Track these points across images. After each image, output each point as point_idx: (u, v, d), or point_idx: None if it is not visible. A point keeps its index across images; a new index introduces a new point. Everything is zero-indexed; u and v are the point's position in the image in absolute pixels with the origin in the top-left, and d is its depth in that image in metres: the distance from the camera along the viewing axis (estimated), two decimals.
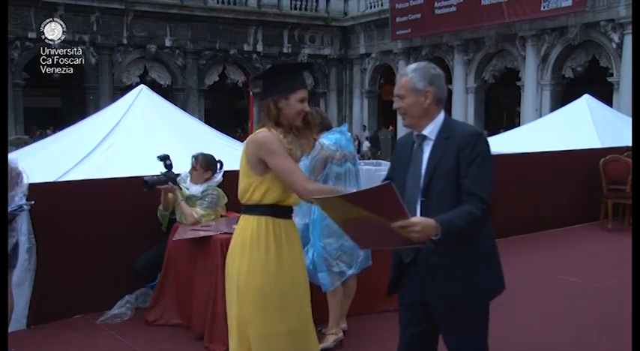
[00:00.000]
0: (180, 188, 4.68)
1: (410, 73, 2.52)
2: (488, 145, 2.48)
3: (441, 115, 2.55)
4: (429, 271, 2.48)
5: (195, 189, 4.69)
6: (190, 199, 4.67)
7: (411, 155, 2.57)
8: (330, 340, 4.01)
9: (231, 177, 5.00)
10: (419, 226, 2.22)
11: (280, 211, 2.74)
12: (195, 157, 4.75)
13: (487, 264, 2.52)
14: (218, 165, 4.81)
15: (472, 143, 2.42)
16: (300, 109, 2.75)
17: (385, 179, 2.59)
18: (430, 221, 2.27)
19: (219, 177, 4.80)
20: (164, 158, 4.75)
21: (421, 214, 2.40)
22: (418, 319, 2.58)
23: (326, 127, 4.11)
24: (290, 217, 2.82)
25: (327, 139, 4.02)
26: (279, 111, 2.73)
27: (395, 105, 2.58)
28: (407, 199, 2.50)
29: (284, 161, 2.65)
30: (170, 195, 4.73)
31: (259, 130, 2.76)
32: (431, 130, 2.52)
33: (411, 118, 2.54)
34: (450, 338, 2.55)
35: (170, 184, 4.64)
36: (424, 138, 2.53)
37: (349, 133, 4.27)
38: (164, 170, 4.70)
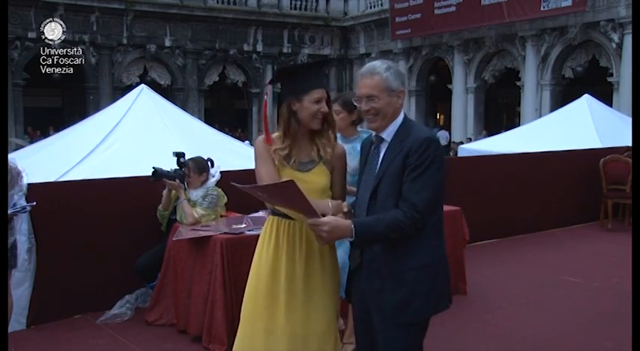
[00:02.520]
0: (185, 189, 4.69)
1: (384, 73, 2.39)
2: (438, 153, 2.34)
3: (401, 117, 2.45)
4: (370, 278, 2.41)
5: (195, 194, 4.69)
6: (193, 203, 4.67)
7: (368, 157, 2.53)
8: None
9: (231, 177, 5.02)
10: (327, 226, 2.25)
11: (279, 212, 2.66)
12: (186, 165, 4.74)
13: (427, 276, 2.37)
14: (209, 164, 4.81)
15: (420, 149, 2.30)
16: (314, 110, 2.59)
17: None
18: (343, 222, 2.27)
19: (216, 175, 4.80)
20: (179, 155, 4.76)
21: None
22: (369, 327, 2.48)
23: (360, 121, 3.88)
24: (294, 219, 2.65)
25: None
26: (294, 114, 2.62)
27: (364, 106, 2.42)
28: (359, 201, 2.51)
29: (259, 167, 2.65)
30: (173, 192, 4.73)
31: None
32: (389, 131, 2.43)
33: (382, 119, 2.41)
34: (381, 346, 2.43)
35: (177, 181, 4.65)
36: (381, 140, 2.45)
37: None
38: (175, 167, 4.72)
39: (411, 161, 2.30)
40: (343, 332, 4.13)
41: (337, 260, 2.73)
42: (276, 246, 2.63)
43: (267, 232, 2.66)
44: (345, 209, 2.50)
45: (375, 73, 2.40)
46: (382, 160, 2.42)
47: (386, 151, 2.42)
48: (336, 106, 3.84)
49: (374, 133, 2.51)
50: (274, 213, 2.67)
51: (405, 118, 2.46)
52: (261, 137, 2.71)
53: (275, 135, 2.70)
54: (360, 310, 2.53)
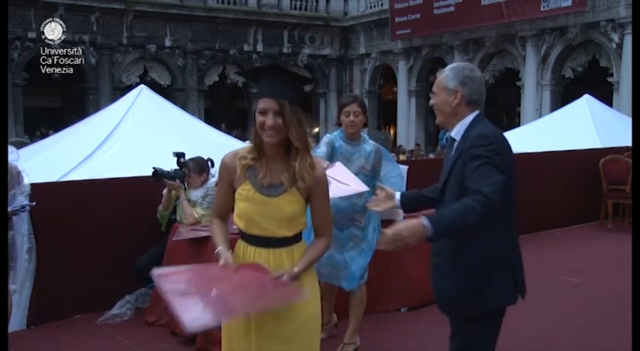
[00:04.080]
0: (186, 189, 4.69)
1: (446, 72, 2.53)
2: (496, 146, 2.37)
3: (470, 117, 2.50)
4: (434, 272, 2.50)
5: (196, 195, 4.70)
6: (193, 204, 4.68)
7: (447, 156, 2.61)
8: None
9: None
10: (404, 231, 2.20)
11: (245, 237, 2.35)
12: (186, 165, 4.74)
13: (489, 270, 2.40)
14: (209, 164, 4.81)
15: (475, 145, 2.37)
16: (259, 122, 2.20)
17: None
18: (414, 223, 2.22)
19: (216, 175, 4.79)
20: (179, 155, 4.76)
21: None
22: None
23: (367, 123, 3.96)
24: (260, 245, 2.29)
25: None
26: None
27: (430, 101, 2.60)
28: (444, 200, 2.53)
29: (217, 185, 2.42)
30: (173, 193, 4.73)
31: None
32: (457, 131, 2.51)
33: (440, 115, 2.55)
34: (454, 344, 2.53)
35: (177, 181, 4.65)
36: (453, 139, 2.53)
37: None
38: (176, 167, 4.72)
39: (470, 155, 2.37)
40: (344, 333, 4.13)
41: (315, 281, 2.43)
42: None
43: (235, 260, 2.30)
44: (285, 277, 2.16)
45: (442, 71, 2.56)
46: (451, 159, 2.51)
47: (454, 150, 2.51)
48: (354, 107, 3.85)
49: (448, 133, 2.60)
50: (243, 237, 2.34)
51: (477, 118, 2.50)
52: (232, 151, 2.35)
53: (246, 144, 2.39)
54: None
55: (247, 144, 2.38)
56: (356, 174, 3.76)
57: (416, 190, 2.79)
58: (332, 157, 3.83)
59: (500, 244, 2.44)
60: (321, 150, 3.85)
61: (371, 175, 3.89)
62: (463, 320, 2.47)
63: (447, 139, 2.56)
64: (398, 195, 2.73)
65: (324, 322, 3.99)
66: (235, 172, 2.29)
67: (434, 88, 2.54)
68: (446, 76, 2.50)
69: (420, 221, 2.21)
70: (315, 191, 2.30)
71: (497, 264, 2.43)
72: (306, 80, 2.44)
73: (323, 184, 2.33)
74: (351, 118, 3.82)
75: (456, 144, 2.49)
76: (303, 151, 2.24)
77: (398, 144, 21.71)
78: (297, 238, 2.34)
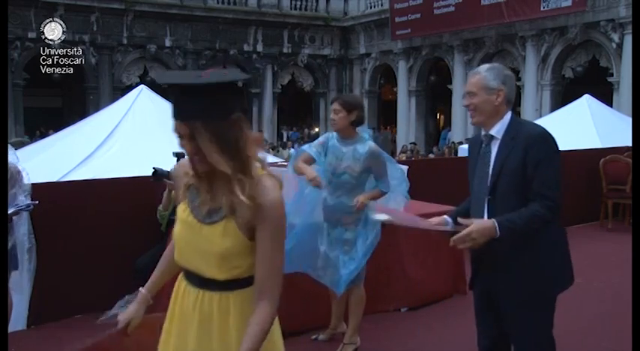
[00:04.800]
0: None
1: (483, 72, 2.59)
2: (555, 146, 2.53)
3: (509, 115, 2.59)
4: (495, 261, 2.54)
5: None
6: None
7: (479, 155, 2.64)
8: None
9: None
10: (474, 233, 2.38)
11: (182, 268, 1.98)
12: None
13: (553, 254, 2.55)
14: None
15: (538, 144, 2.48)
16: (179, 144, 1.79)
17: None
18: (485, 223, 2.39)
19: None
20: (179, 155, 4.76)
21: (488, 214, 2.50)
22: (489, 320, 2.67)
23: (358, 122, 3.87)
24: (191, 282, 1.90)
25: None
26: None
27: (465, 102, 2.63)
28: (474, 199, 2.63)
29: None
30: (173, 193, 4.74)
31: None
32: (498, 129, 2.58)
33: (480, 115, 2.59)
34: (513, 330, 2.62)
35: None
36: (491, 137, 2.59)
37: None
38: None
39: (533, 156, 2.46)
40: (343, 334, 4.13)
41: (280, 341, 1.94)
42: (171, 315, 1.95)
43: (173, 295, 1.98)
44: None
45: (477, 73, 2.62)
46: (496, 157, 2.55)
47: (498, 148, 2.56)
48: (335, 105, 3.84)
49: (483, 132, 2.65)
50: (187, 274, 1.92)
51: (513, 116, 2.61)
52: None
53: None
54: (483, 302, 2.70)
55: None
56: (342, 173, 3.78)
57: (459, 208, 2.88)
58: (325, 155, 3.86)
59: (555, 238, 2.62)
60: (308, 147, 3.91)
61: (359, 178, 3.82)
62: (527, 308, 2.55)
63: (484, 137, 2.63)
64: (449, 218, 2.80)
65: (353, 341, 4.01)
66: (180, 186, 1.91)
67: (471, 89, 2.59)
68: (485, 76, 2.56)
69: (492, 224, 2.37)
70: (258, 229, 1.73)
71: (554, 256, 2.58)
72: (224, 86, 1.72)
73: (271, 220, 1.72)
74: (332, 115, 3.83)
75: (498, 142, 2.56)
76: (234, 178, 1.72)
77: (402, 144, 21.66)
78: (233, 285, 1.79)
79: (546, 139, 2.51)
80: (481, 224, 2.41)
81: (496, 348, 2.75)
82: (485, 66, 2.66)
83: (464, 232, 2.39)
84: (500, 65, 2.72)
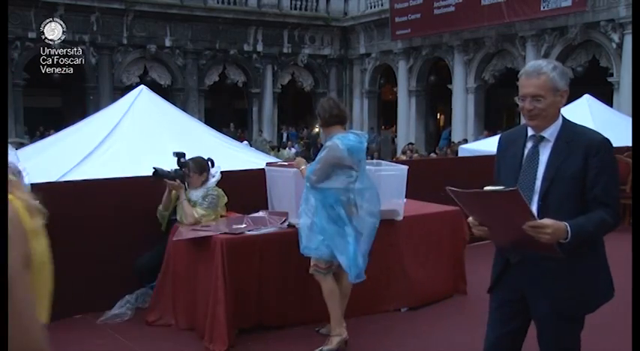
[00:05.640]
0: (186, 189, 4.69)
1: (550, 72, 2.36)
2: (613, 152, 2.43)
3: (561, 117, 2.44)
4: (537, 273, 2.44)
5: (196, 195, 4.69)
6: (193, 204, 4.68)
7: (523, 156, 2.46)
8: (334, 343, 3.98)
9: (231, 177, 5.02)
10: (550, 228, 2.20)
11: None
12: (186, 165, 4.74)
13: (598, 272, 2.49)
14: (209, 163, 4.81)
15: (602, 152, 2.35)
16: None
17: (496, 182, 2.49)
18: (560, 224, 2.24)
19: (217, 175, 4.80)
20: (179, 155, 4.76)
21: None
22: (510, 316, 2.58)
23: (340, 121, 3.95)
24: None
25: (340, 141, 3.87)
26: None
27: (528, 106, 2.37)
28: None
29: None
30: (173, 193, 4.74)
31: None
32: (551, 132, 2.41)
33: (544, 119, 2.38)
34: (547, 341, 2.57)
35: (178, 181, 4.65)
36: (542, 139, 2.43)
37: (365, 139, 4.11)
38: (176, 167, 4.72)
39: (596, 163, 2.33)
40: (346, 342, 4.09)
41: None
42: None
43: None
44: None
45: (542, 72, 2.36)
46: (548, 161, 2.40)
47: (551, 151, 2.40)
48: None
49: (531, 132, 2.47)
50: None
51: (564, 118, 2.46)
52: None
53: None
54: (511, 300, 2.56)
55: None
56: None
57: None
58: None
59: (604, 246, 2.54)
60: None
61: (313, 168, 3.92)
62: (566, 320, 2.50)
63: (531, 138, 2.48)
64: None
65: (337, 333, 3.99)
66: None
67: (538, 92, 2.35)
68: (553, 77, 2.35)
69: (565, 227, 2.24)
70: None
71: (601, 267, 2.53)
72: None
73: None
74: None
75: (550, 144, 2.41)
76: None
77: (407, 143, 21.65)
78: None
79: (609, 147, 2.38)
80: (556, 223, 2.22)
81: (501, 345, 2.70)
82: (547, 64, 2.40)
83: (540, 221, 2.20)
84: (557, 61, 2.52)
